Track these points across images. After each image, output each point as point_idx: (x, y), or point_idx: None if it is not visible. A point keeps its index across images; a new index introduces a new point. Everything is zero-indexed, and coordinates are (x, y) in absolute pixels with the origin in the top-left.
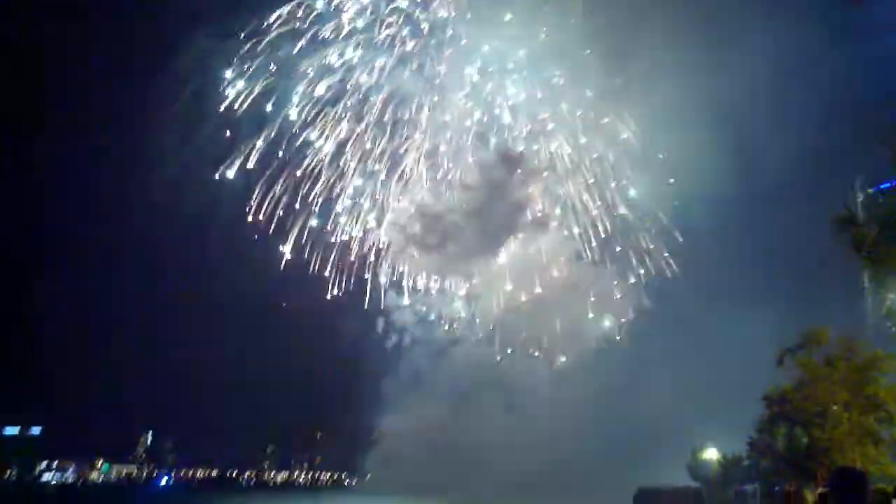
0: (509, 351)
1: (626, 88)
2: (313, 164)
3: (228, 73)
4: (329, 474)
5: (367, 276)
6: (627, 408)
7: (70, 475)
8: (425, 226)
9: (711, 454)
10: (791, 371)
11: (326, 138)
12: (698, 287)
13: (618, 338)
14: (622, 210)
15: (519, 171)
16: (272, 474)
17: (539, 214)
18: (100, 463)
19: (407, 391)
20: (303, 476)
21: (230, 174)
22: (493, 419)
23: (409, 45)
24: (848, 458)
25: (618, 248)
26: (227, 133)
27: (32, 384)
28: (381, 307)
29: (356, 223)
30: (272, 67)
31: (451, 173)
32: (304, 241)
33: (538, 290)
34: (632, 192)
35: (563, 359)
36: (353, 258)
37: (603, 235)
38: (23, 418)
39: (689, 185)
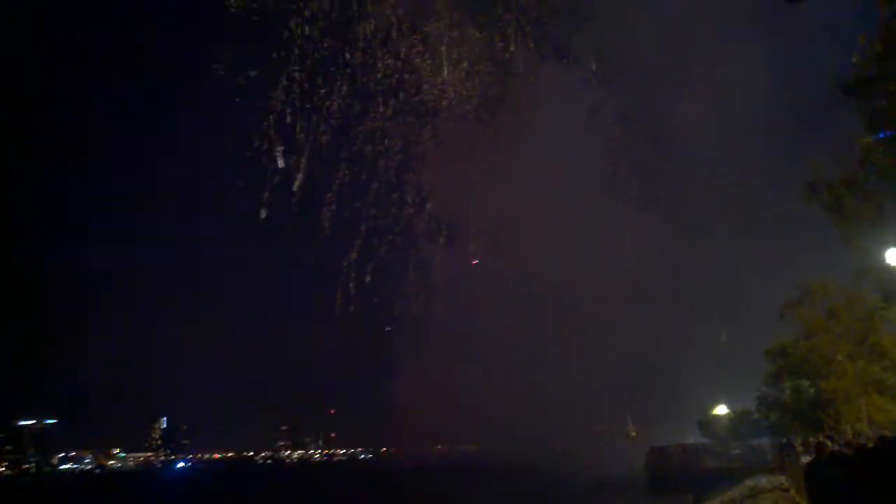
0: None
1: None
2: None
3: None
4: (344, 450)
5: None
6: (645, 364)
7: (87, 464)
8: None
9: (721, 410)
10: (795, 324)
11: None
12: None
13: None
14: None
15: None
16: (287, 453)
17: None
18: (116, 451)
19: (419, 353)
20: (318, 454)
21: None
22: (510, 374)
23: None
24: (853, 408)
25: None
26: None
27: (46, 376)
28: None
29: None
30: None
31: None
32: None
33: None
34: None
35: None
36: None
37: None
38: (38, 410)
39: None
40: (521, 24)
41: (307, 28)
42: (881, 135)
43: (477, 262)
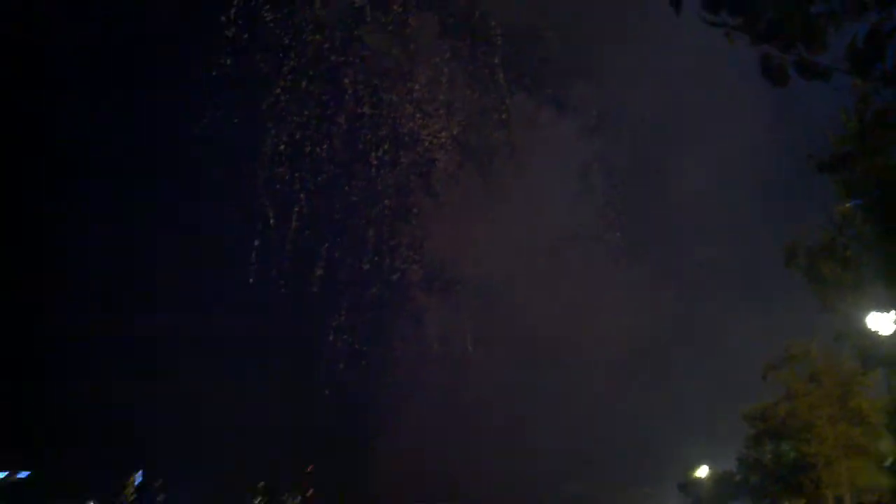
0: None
1: None
2: None
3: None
4: None
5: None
6: (621, 425)
7: None
8: None
9: (703, 472)
10: (776, 386)
11: None
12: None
13: None
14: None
15: None
16: None
17: None
18: None
19: (405, 404)
20: None
21: None
22: (490, 433)
23: None
24: (835, 472)
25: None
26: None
27: (18, 428)
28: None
29: None
30: None
31: None
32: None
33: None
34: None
35: None
36: None
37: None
38: (9, 463)
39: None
40: (517, 72)
41: (294, 81)
42: (857, 201)
43: (471, 349)
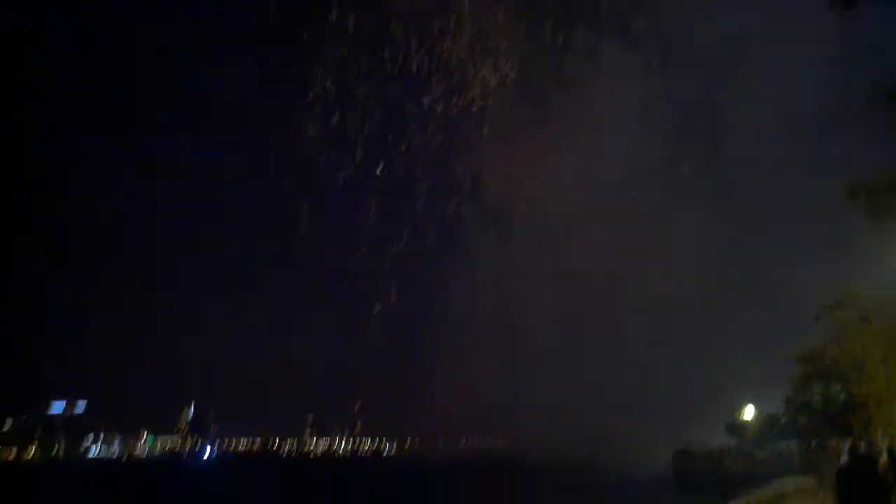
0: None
1: None
2: None
3: None
4: (369, 442)
5: None
6: (667, 369)
7: (116, 448)
8: None
9: (749, 413)
10: (826, 327)
11: None
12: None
13: None
14: None
15: None
16: (313, 443)
17: None
18: (144, 436)
19: (454, 338)
20: (343, 445)
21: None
22: (545, 371)
23: None
24: (885, 412)
25: None
26: None
27: (76, 360)
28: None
29: None
30: None
31: None
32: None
33: None
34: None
35: None
36: None
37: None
38: (67, 394)
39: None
40: (575, 3)
41: (341, 23)
42: None
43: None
